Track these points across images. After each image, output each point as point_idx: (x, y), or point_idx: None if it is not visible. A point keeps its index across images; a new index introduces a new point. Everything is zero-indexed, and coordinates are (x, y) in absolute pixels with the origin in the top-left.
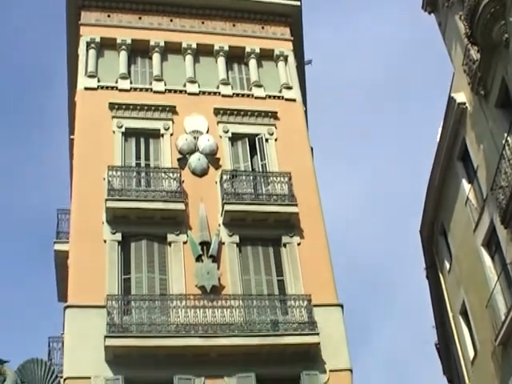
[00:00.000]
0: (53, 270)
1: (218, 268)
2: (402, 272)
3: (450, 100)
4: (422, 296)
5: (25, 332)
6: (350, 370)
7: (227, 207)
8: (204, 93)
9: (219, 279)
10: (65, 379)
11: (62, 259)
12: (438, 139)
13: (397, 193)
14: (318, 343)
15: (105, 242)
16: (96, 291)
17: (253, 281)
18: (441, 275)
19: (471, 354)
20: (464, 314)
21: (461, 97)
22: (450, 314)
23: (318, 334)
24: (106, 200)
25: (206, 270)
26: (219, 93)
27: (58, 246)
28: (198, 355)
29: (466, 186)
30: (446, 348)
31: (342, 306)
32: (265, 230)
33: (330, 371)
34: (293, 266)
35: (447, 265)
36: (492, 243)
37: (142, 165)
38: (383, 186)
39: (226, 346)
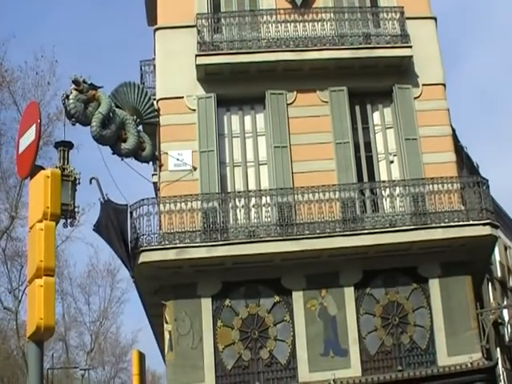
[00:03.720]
0: None
1: None
2: None
3: None
4: None
5: (117, 59)
6: (444, 85)
7: None
8: None
9: None
10: (158, 100)
11: None
12: None
13: None
14: (411, 56)
15: None
16: (185, 11)
17: None
18: None
19: None
20: None
21: None
22: None
23: (410, 46)
24: None
25: None
26: None
27: None
28: (289, 70)
29: None
30: None
31: (435, 19)
32: None
33: (423, 85)
34: None
35: None
36: None
37: None
38: None
39: (317, 60)
